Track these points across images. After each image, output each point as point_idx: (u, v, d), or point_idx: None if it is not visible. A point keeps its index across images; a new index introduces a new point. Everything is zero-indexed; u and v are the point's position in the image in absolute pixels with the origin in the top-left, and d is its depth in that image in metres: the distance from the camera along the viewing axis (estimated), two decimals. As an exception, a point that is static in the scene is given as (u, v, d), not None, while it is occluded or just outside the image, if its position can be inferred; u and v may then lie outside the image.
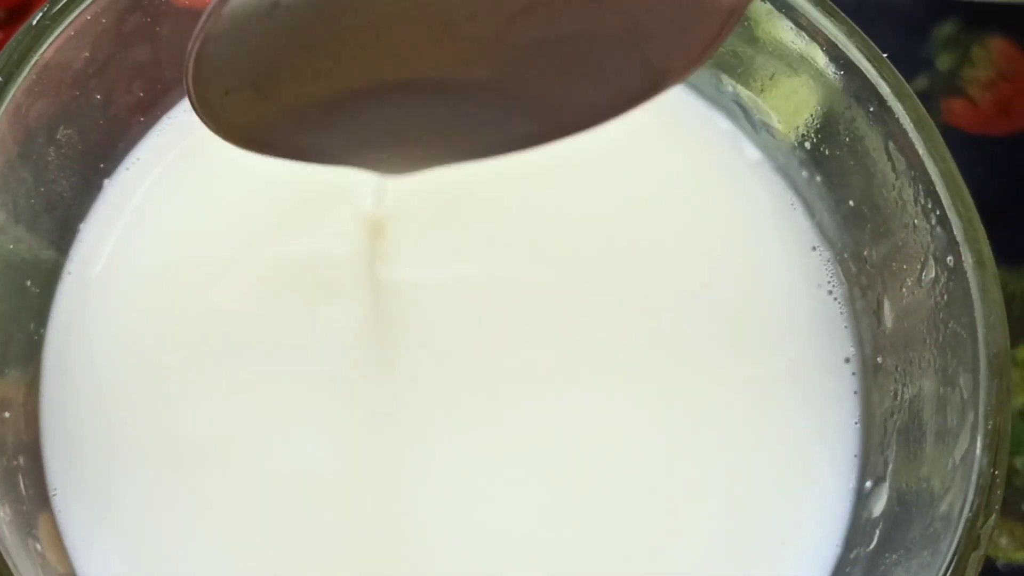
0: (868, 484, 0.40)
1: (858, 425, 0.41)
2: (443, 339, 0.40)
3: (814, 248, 0.42)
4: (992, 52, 0.61)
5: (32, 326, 0.39)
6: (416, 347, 0.40)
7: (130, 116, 0.41)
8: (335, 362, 0.39)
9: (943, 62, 0.61)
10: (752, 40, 0.41)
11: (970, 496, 0.35)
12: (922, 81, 0.60)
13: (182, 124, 0.42)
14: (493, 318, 0.40)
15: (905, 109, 0.40)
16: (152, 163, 0.41)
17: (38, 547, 0.37)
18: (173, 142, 0.42)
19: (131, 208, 0.41)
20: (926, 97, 0.60)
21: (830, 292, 0.42)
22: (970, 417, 0.36)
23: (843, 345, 0.41)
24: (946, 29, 0.61)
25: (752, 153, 0.43)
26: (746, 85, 0.43)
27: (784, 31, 0.41)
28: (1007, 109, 0.60)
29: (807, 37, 0.41)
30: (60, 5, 0.37)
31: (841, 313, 0.42)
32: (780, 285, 0.42)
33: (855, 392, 0.41)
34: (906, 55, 0.61)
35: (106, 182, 0.41)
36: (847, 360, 0.41)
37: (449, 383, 0.39)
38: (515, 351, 0.40)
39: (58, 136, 0.39)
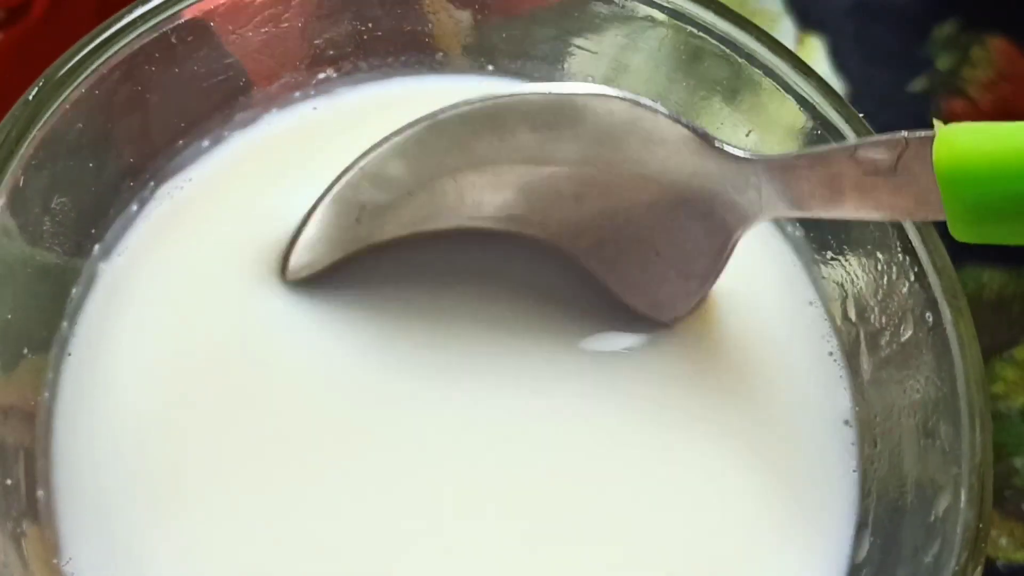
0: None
1: (855, 473, 0.41)
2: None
3: (810, 303, 0.43)
4: (992, 52, 0.62)
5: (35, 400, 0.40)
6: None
7: (120, 181, 0.41)
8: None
9: (943, 62, 0.62)
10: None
11: (956, 549, 0.36)
12: (922, 81, 0.61)
13: (168, 194, 0.43)
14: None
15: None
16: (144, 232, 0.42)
17: None
18: (162, 213, 0.42)
19: (128, 278, 0.41)
20: (926, 97, 0.61)
21: (830, 353, 0.43)
22: (953, 471, 0.38)
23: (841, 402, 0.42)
24: (946, 29, 0.62)
25: None
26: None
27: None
28: (1007, 109, 0.61)
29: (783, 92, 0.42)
30: (56, 79, 0.38)
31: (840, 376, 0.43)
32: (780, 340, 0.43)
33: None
34: (906, 55, 0.62)
35: (97, 247, 0.41)
36: (846, 422, 0.42)
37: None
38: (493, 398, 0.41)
39: (52, 205, 0.39)
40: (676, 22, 0.43)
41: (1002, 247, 0.34)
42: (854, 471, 0.41)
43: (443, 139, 0.38)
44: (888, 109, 0.61)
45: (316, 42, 0.43)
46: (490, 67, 0.46)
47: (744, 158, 0.37)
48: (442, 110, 0.37)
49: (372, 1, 0.43)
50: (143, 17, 0.39)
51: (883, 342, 0.41)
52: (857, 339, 0.42)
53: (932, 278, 0.39)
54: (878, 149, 0.35)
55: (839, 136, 0.41)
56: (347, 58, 0.44)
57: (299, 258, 0.41)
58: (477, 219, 0.41)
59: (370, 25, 0.43)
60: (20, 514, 0.38)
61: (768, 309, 0.43)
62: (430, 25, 0.45)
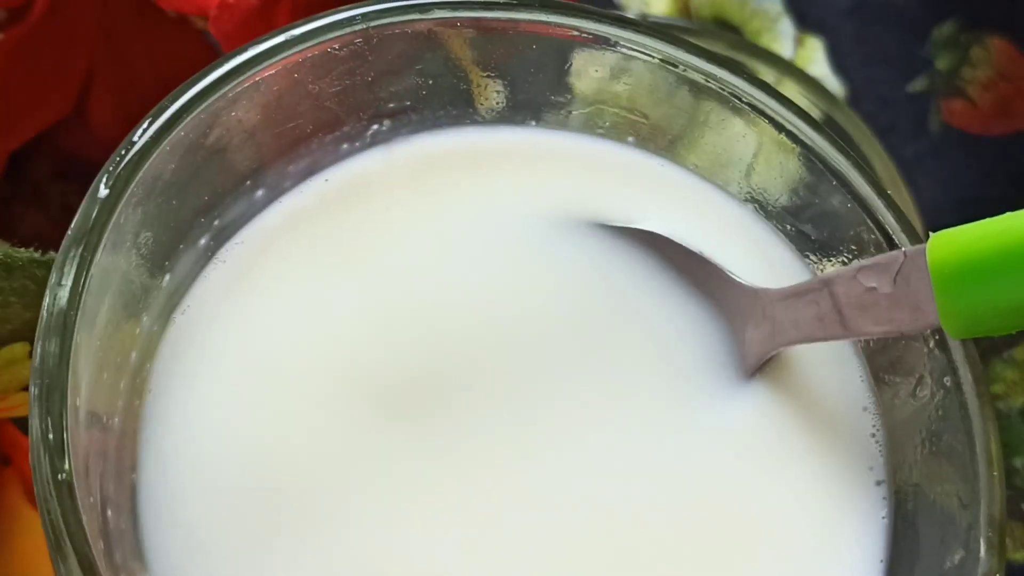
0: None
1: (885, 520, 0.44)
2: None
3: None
4: (992, 52, 0.63)
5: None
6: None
7: (194, 218, 0.43)
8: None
9: (943, 62, 0.63)
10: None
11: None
12: (922, 81, 0.62)
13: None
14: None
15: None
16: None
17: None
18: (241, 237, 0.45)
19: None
20: (926, 97, 0.62)
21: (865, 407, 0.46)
22: (968, 523, 0.41)
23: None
24: (946, 29, 0.63)
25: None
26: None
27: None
28: (1007, 109, 0.62)
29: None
30: (163, 122, 0.40)
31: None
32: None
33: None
34: (906, 55, 0.63)
35: (168, 279, 0.43)
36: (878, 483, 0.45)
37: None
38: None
39: (140, 239, 0.41)
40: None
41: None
42: (883, 517, 0.44)
43: None
44: (888, 109, 0.62)
45: (380, 95, 0.45)
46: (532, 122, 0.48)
47: (755, 289, 0.40)
48: None
49: (436, 59, 0.45)
50: (244, 65, 0.41)
51: (896, 400, 0.44)
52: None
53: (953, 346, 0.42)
54: (879, 267, 0.37)
55: (830, 166, 0.43)
56: (404, 111, 0.46)
57: None
58: None
59: (430, 81, 0.46)
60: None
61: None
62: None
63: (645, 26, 0.44)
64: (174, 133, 0.40)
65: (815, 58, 0.63)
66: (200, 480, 0.40)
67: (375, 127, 0.46)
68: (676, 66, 0.44)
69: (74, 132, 0.55)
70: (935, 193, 0.61)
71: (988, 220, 0.36)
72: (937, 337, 0.42)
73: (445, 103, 0.47)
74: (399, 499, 0.40)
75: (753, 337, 0.41)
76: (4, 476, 0.48)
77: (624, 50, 0.44)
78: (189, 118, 0.40)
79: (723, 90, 0.44)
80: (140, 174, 0.39)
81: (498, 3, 0.43)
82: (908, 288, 0.37)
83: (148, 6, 0.50)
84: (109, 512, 0.39)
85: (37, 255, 0.44)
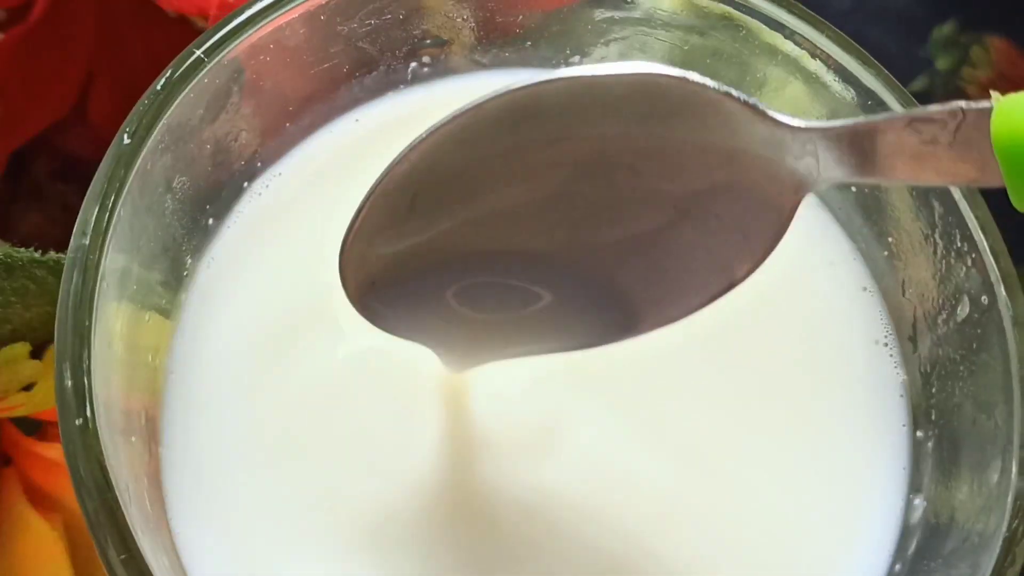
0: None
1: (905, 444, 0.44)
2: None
3: (864, 288, 0.46)
4: (992, 52, 0.62)
5: (150, 357, 0.43)
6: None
7: (233, 162, 0.44)
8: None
9: (943, 62, 0.62)
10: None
11: (1007, 517, 0.39)
12: (922, 81, 0.62)
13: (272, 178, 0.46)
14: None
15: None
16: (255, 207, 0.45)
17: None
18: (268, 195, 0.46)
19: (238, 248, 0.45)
20: (926, 97, 0.61)
21: (884, 342, 0.46)
22: (1003, 442, 0.40)
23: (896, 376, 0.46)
24: (946, 30, 0.63)
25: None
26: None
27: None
28: None
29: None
30: (182, 70, 0.41)
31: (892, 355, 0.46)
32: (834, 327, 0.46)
33: (902, 396, 0.45)
34: (906, 55, 0.62)
35: (211, 222, 0.45)
36: (901, 395, 0.45)
37: None
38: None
39: (174, 184, 0.42)
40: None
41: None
42: (907, 440, 0.44)
43: (489, 126, 0.37)
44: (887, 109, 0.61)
45: (414, 32, 0.46)
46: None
47: (799, 127, 0.37)
48: (487, 97, 0.37)
49: None
50: (261, 13, 0.42)
51: (940, 320, 0.44)
52: (913, 318, 0.45)
53: (988, 260, 0.42)
54: (935, 120, 0.34)
55: (881, 104, 0.44)
56: (442, 47, 0.47)
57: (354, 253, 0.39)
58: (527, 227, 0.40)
59: (465, 17, 0.46)
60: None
61: (823, 293, 0.46)
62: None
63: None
64: (197, 79, 0.41)
65: None
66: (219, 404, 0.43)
67: (413, 65, 0.47)
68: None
69: (74, 132, 0.56)
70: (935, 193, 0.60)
71: None
72: (974, 256, 0.41)
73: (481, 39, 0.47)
74: None
75: (795, 170, 0.38)
76: (4, 476, 0.48)
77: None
78: (212, 63, 0.41)
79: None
80: (163, 121, 0.40)
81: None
82: (970, 148, 0.34)
83: (148, 6, 0.50)
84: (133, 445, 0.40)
85: (37, 255, 0.45)
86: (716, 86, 0.37)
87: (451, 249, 0.38)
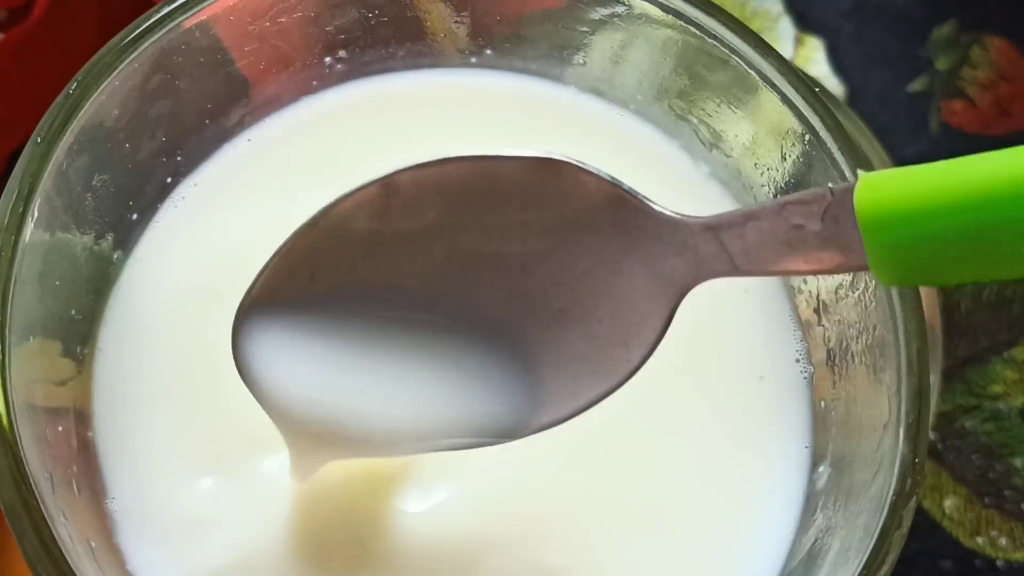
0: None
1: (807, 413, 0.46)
2: None
3: None
4: (991, 53, 0.62)
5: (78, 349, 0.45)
6: None
7: (154, 159, 0.46)
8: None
9: (942, 62, 0.63)
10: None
11: (894, 481, 0.41)
12: (922, 81, 0.62)
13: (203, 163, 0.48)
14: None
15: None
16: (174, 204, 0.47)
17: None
18: (194, 180, 0.48)
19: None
20: (926, 97, 0.62)
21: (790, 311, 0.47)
22: (894, 409, 0.42)
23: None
24: (945, 30, 0.63)
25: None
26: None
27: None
28: (1006, 109, 0.62)
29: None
30: (94, 72, 0.42)
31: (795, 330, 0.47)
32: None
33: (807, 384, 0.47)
34: (906, 55, 0.63)
35: (135, 217, 0.46)
36: (797, 360, 0.47)
37: None
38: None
39: (94, 183, 0.44)
40: (674, 20, 0.46)
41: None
42: (809, 411, 0.46)
43: (395, 201, 0.38)
44: (888, 109, 0.62)
45: (327, 29, 0.47)
46: (487, 57, 0.50)
47: (676, 218, 0.38)
48: (394, 172, 0.38)
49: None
50: (170, 15, 0.43)
51: (839, 291, 0.45)
52: (814, 294, 0.46)
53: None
54: (805, 203, 0.35)
55: (824, 145, 0.44)
56: (353, 45, 0.48)
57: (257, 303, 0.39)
58: (423, 295, 0.40)
59: (376, 12, 0.48)
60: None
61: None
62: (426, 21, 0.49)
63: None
64: (107, 81, 0.42)
65: (815, 58, 0.63)
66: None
67: (328, 59, 0.48)
68: None
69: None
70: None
71: (919, 166, 0.34)
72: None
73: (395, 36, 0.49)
74: None
75: (675, 267, 0.38)
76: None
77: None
78: (122, 67, 0.43)
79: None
80: (74, 123, 0.42)
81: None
82: (837, 227, 0.35)
83: (148, 5, 0.49)
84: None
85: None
86: (596, 170, 0.38)
87: (347, 319, 0.40)
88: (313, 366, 0.39)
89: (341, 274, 0.39)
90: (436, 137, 0.47)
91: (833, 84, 0.62)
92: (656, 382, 0.41)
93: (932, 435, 0.57)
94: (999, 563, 0.55)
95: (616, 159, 0.42)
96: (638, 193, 0.38)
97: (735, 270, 0.37)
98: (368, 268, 0.39)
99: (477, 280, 0.40)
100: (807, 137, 0.45)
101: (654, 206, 0.38)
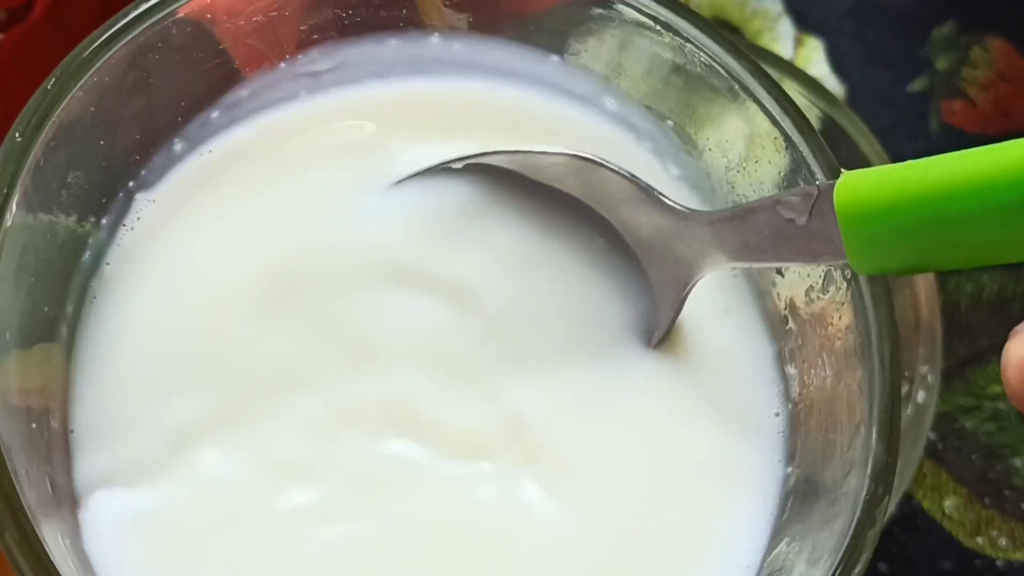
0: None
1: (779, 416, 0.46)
2: None
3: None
4: (991, 53, 0.63)
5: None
6: None
7: (128, 156, 0.46)
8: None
9: (942, 63, 0.63)
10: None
11: (867, 480, 0.41)
12: (921, 81, 0.63)
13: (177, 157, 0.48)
14: None
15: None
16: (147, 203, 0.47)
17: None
18: (171, 176, 0.48)
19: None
20: (925, 97, 0.62)
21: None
22: (867, 410, 0.42)
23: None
24: (945, 30, 0.63)
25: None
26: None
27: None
28: (1006, 109, 0.62)
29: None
30: (71, 69, 0.42)
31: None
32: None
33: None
34: (905, 55, 0.63)
35: (105, 219, 0.46)
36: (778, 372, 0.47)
37: None
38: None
39: (69, 179, 0.44)
40: (650, 23, 0.47)
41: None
42: (777, 414, 0.46)
43: None
44: (887, 109, 0.63)
45: (302, 28, 0.47)
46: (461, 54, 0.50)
47: (685, 212, 0.43)
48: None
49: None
50: (147, 12, 0.43)
51: (810, 295, 0.46)
52: (783, 296, 0.47)
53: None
54: (796, 199, 0.39)
55: (796, 148, 0.45)
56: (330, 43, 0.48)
57: None
58: None
59: (350, 13, 0.48)
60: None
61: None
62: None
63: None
64: (85, 79, 0.42)
65: (815, 58, 0.64)
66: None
67: (300, 57, 0.48)
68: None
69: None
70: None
71: (894, 164, 0.37)
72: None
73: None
74: None
75: (684, 257, 0.43)
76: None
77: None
78: (99, 63, 0.42)
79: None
80: (52, 119, 0.41)
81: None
82: (822, 222, 0.38)
83: None
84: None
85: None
86: (616, 167, 0.44)
87: None
88: None
89: None
90: (403, 145, 0.48)
91: (833, 84, 0.63)
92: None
93: (932, 435, 0.57)
94: (999, 563, 0.56)
95: None
96: (654, 189, 0.44)
97: (734, 260, 0.42)
98: None
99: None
100: (779, 140, 0.45)
101: (667, 200, 0.43)
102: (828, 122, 0.56)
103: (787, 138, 0.45)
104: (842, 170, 0.39)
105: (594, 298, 0.46)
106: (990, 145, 0.35)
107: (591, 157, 0.44)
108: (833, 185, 0.38)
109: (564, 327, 0.46)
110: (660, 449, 0.45)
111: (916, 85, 0.63)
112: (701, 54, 0.46)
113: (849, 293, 0.43)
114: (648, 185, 0.44)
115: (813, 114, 0.56)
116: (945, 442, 0.58)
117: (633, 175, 0.44)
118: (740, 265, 0.43)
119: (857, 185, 0.38)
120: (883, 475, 0.41)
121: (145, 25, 0.43)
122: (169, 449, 0.44)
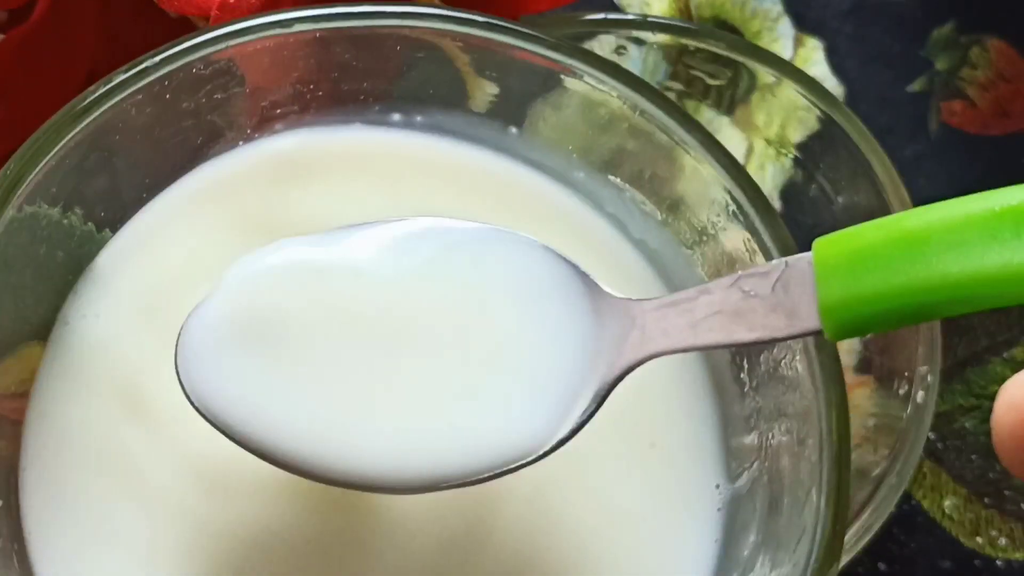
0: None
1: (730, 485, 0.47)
2: None
3: None
4: (991, 53, 0.63)
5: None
6: None
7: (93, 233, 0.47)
8: None
9: (942, 63, 0.63)
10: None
11: (815, 549, 0.42)
12: (921, 82, 0.63)
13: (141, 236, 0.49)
14: None
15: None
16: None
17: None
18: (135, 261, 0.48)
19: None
20: (925, 98, 0.62)
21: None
22: (816, 478, 0.43)
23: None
24: (945, 30, 0.63)
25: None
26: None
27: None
28: (1006, 110, 0.62)
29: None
30: (29, 155, 0.43)
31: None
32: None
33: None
34: (905, 56, 0.63)
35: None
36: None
37: None
38: None
39: (41, 252, 0.45)
40: (605, 95, 0.47)
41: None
42: (724, 484, 0.47)
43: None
44: (887, 110, 0.63)
45: (263, 104, 0.48)
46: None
47: (628, 301, 0.41)
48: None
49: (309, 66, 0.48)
50: (107, 94, 0.44)
51: (762, 360, 0.47)
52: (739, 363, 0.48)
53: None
54: (760, 275, 0.39)
55: (747, 216, 0.45)
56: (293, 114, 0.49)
57: None
58: None
59: (311, 87, 0.49)
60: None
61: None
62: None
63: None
64: (48, 158, 0.43)
65: (814, 59, 0.64)
66: None
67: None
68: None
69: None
70: (934, 194, 0.59)
71: (869, 222, 0.37)
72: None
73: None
74: None
75: (621, 346, 0.41)
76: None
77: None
78: (62, 143, 0.43)
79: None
80: (16, 196, 0.43)
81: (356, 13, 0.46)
82: (786, 294, 0.38)
83: (149, 7, 0.51)
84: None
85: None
86: (553, 250, 0.42)
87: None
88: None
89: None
90: (352, 198, 0.49)
91: (832, 84, 0.63)
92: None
93: (932, 435, 0.57)
94: (999, 563, 0.56)
95: (538, 225, 0.45)
96: (586, 273, 0.41)
97: (682, 340, 0.40)
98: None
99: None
100: (732, 209, 0.45)
101: (606, 288, 0.41)
102: (828, 122, 0.56)
103: (740, 208, 0.45)
104: (815, 240, 0.38)
105: None
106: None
107: (525, 236, 0.42)
108: (805, 257, 0.38)
109: None
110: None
111: (916, 85, 0.63)
112: (653, 124, 0.46)
113: (796, 360, 0.44)
114: (586, 276, 0.42)
115: (813, 114, 0.56)
116: (945, 442, 0.58)
117: (569, 259, 0.42)
118: (682, 350, 0.41)
119: (837, 244, 0.37)
120: (832, 540, 0.42)
121: (105, 107, 0.44)
122: None
